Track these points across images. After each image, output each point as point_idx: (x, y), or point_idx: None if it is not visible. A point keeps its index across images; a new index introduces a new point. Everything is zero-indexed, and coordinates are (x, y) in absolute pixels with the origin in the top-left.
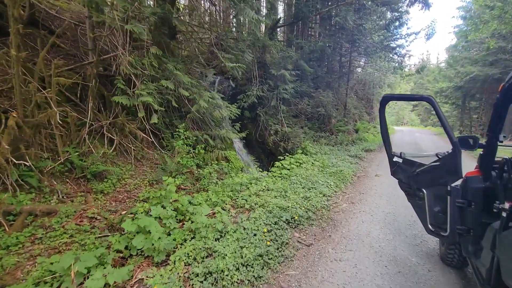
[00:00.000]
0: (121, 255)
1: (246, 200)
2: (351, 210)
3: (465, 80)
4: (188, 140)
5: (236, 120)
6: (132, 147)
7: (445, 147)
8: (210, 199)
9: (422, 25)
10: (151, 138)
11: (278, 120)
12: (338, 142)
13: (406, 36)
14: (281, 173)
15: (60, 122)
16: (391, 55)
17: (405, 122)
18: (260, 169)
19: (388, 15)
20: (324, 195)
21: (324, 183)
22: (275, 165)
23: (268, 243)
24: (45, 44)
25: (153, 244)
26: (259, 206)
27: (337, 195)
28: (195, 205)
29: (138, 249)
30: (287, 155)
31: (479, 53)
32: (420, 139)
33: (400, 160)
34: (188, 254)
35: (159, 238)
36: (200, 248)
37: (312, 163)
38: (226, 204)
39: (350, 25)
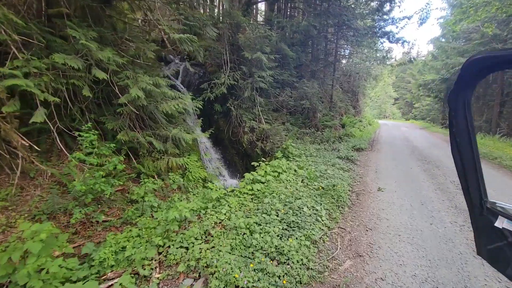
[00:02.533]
0: None
1: (186, 249)
2: (361, 277)
3: (452, 72)
4: (108, 148)
5: (204, 116)
6: (22, 158)
7: (439, 143)
8: (124, 248)
9: (415, 8)
10: (55, 144)
11: (255, 115)
12: (324, 139)
13: (398, 20)
14: (252, 190)
15: None
16: (380, 42)
17: (387, 115)
18: (233, 177)
19: None
20: (312, 242)
21: (312, 212)
22: (245, 177)
23: None
24: None
25: None
26: (202, 270)
27: (333, 237)
28: (92, 265)
29: None
30: (263, 161)
31: (466, 44)
32: (409, 134)
33: None
34: None
35: None
36: None
37: (295, 171)
38: (148, 261)
39: (338, 3)
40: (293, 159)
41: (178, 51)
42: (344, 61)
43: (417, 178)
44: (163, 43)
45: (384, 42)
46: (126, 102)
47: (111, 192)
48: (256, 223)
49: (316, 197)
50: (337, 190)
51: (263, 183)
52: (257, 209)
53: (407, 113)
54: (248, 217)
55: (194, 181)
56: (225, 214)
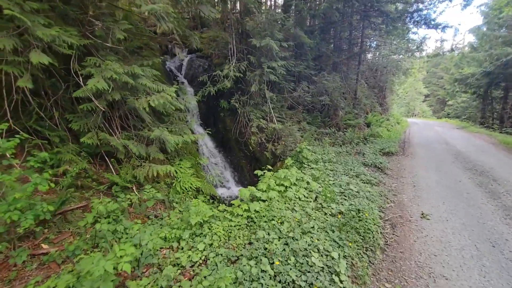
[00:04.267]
0: None
1: None
2: None
3: (496, 64)
4: (36, 160)
5: (209, 113)
6: None
7: (487, 147)
8: None
9: None
10: None
11: (265, 113)
12: (346, 140)
13: (436, 2)
14: (248, 210)
15: None
16: (412, 32)
17: (416, 113)
18: (238, 184)
19: None
20: None
21: (324, 262)
22: (240, 193)
23: None
24: None
25: None
26: None
27: None
28: None
29: None
30: (270, 170)
31: None
32: (445, 135)
33: None
34: None
35: None
36: None
37: (308, 184)
38: None
39: None
40: (308, 165)
41: (187, 44)
42: (369, 56)
43: (472, 197)
44: (171, 35)
45: (419, 29)
46: (92, 97)
47: (33, 223)
48: (236, 280)
49: (333, 231)
50: (363, 219)
51: (264, 201)
52: (247, 244)
53: (439, 111)
54: (233, 260)
55: (183, 192)
56: (202, 251)
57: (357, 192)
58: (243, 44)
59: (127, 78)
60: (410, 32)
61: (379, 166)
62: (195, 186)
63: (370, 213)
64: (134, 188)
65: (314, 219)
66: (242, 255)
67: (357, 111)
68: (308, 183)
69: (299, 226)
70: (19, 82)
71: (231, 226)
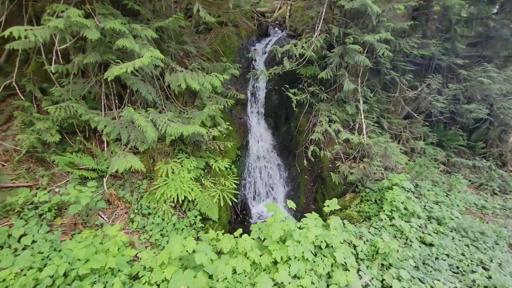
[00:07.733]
0: None
1: None
2: None
3: None
4: None
5: (281, 106)
6: None
7: None
8: None
9: None
10: None
11: (351, 116)
12: (510, 186)
13: None
14: (166, 283)
15: None
16: None
17: None
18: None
19: None
20: None
21: None
22: (167, 249)
23: None
24: None
25: None
26: None
27: None
28: None
29: None
30: (291, 207)
31: None
32: None
33: None
34: None
35: None
36: None
37: (333, 268)
38: None
39: None
40: (389, 218)
41: (293, 26)
42: None
43: None
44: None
45: None
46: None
47: None
48: None
49: None
50: None
51: (209, 277)
52: None
53: None
54: None
55: (165, 202)
56: None
57: None
58: (340, 13)
59: (94, 33)
60: None
61: None
62: (187, 197)
63: None
64: (105, 179)
65: None
66: None
67: None
68: (336, 266)
69: None
70: None
71: None
